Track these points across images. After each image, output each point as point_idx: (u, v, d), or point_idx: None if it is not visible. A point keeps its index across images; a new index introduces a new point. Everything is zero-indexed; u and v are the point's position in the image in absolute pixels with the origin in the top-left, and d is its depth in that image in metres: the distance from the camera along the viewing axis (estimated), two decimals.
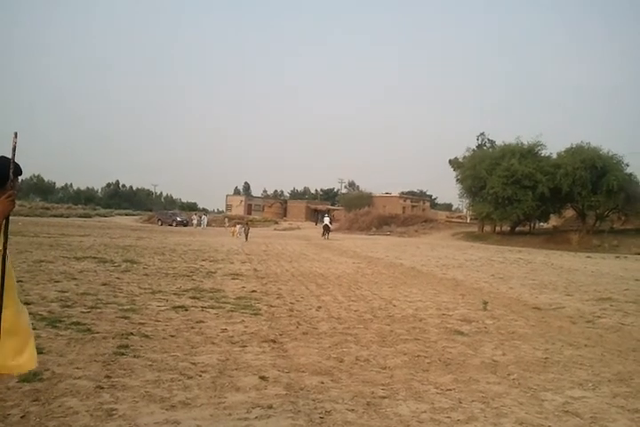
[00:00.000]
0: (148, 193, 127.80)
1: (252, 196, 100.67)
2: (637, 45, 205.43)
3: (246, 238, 32.68)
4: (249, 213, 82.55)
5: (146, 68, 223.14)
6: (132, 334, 6.60)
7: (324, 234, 43.50)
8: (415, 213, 75.50)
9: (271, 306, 9.34)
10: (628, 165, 45.16)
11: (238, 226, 36.00)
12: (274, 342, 6.69)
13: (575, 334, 8.19)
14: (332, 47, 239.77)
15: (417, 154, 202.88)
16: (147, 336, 6.53)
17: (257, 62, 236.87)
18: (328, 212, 66.14)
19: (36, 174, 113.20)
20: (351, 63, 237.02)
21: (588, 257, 30.98)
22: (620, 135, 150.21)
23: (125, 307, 8.38)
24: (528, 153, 47.05)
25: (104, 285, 10.66)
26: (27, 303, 7.85)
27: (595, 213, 47.14)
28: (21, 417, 3.86)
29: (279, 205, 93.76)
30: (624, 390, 5.32)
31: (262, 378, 5.10)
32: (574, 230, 46.08)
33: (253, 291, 11.07)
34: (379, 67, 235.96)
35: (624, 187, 42.54)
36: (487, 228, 55.33)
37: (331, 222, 48.46)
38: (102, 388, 4.57)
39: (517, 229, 52.83)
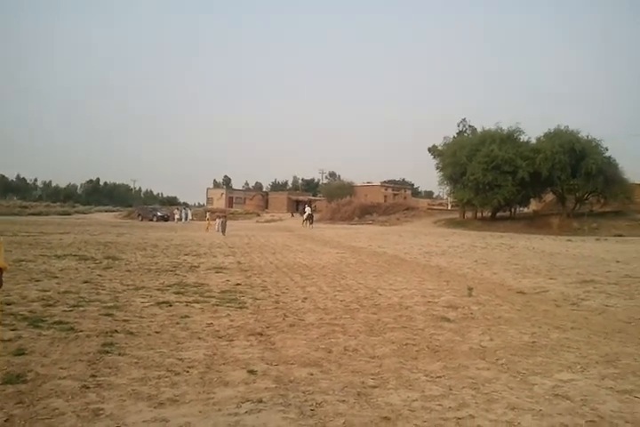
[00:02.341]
0: (128, 188, 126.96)
1: (232, 188, 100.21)
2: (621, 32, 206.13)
3: (223, 233, 31.60)
4: (230, 206, 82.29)
5: (126, 65, 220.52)
6: (116, 331, 6.51)
7: (308, 223, 44.76)
8: (397, 201, 75.49)
9: (256, 299, 9.28)
10: (607, 149, 45.57)
11: (218, 220, 35.08)
12: (261, 334, 6.64)
13: (560, 317, 8.23)
14: (316, 41, 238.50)
15: (397, 142, 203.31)
16: (131, 333, 6.45)
17: (237, 57, 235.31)
18: (309, 203, 66.15)
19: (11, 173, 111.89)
20: (332, 55, 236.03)
21: (569, 240, 31.25)
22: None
23: (109, 304, 8.27)
24: (507, 139, 47.16)
25: (86, 282, 10.52)
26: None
27: (574, 197, 47.50)
28: (5, 420, 3.78)
29: (260, 198, 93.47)
30: (612, 371, 5.35)
31: (251, 372, 5.06)
32: (554, 214, 46.39)
33: (238, 284, 11.00)
34: (360, 58, 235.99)
35: (603, 170, 42.86)
36: (468, 214, 55.53)
37: (312, 211, 49.36)
38: (88, 387, 4.50)
39: (498, 214, 53.09)
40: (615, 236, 36.35)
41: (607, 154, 45.39)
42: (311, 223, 45.74)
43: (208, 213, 46.18)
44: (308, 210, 47.79)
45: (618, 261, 17.36)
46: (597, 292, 10.82)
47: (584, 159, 42.97)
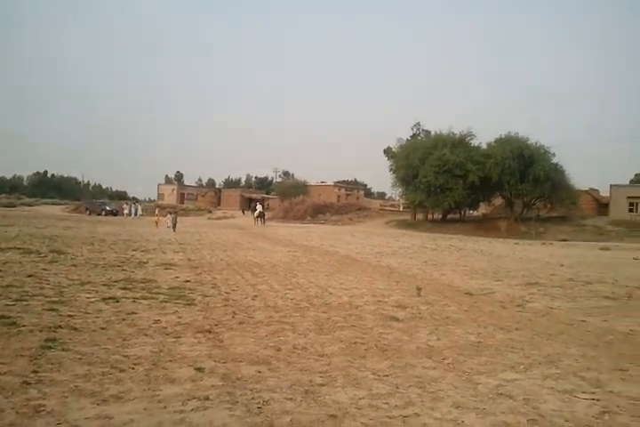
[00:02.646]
0: (76, 182, 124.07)
1: (184, 185, 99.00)
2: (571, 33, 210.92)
3: (174, 229, 31.22)
4: (182, 202, 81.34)
5: (76, 56, 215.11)
6: (60, 326, 6.36)
7: (259, 221, 44.69)
8: (350, 201, 76.05)
9: (206, 296, 9.19)
10: (554, 155, 46.92)
11: (169, 215, 34.49)
12: (209, 332, 6.58)
13: (506, 318, 8.40)
14: (277, 39, 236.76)
15: (352, 143, 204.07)
16: (76, 329, 6.31)
17: (183, 51, 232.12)
18: (262, 201, 65.87)
19: None
20: (290, 52, 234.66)
21: (516, 244, 31.93)
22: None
23: (53, 299, 8.07)
24: (459, 143, 48.11)
25: (30, 276, 10.24)
26: None
27: (522, 202, 48.75)
28: None
29: (213, 194, 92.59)
30: (554, 371, 5.49)
31: (198, 369, 5.00)
32: (503, 218, 47.44)
33: (187, 281, 10.87)
34: (317, 57, 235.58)
35: (550, 176, 44.17)
36: (419, 216, 56.24)
37: (265, 209, 49.48)
38: (29, 383, 4.38)
39: (449, 216, 54.01)
40: (560, 240, 37.39)
41: (555, 160, 46.82)
42: (263, 221, 45.65)
43: (157, 209, 45.51)
44: (259, 208, 47.67)
45: (562, 265, 17.83)
46: (542, 294, 11.09)
47: (532, 165, 44.20)
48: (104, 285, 9.84)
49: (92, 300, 8.26)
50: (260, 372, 5.04)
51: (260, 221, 45.40)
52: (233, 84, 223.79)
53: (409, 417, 4.10)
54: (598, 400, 4.64)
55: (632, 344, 6.90)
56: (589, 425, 4.07)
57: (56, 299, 8.09)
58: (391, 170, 54.08)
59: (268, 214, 52.84)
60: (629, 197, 52.03)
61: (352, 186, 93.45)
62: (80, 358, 5.13)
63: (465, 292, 11.05)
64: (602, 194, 58.84)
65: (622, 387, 5.04)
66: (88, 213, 59.38)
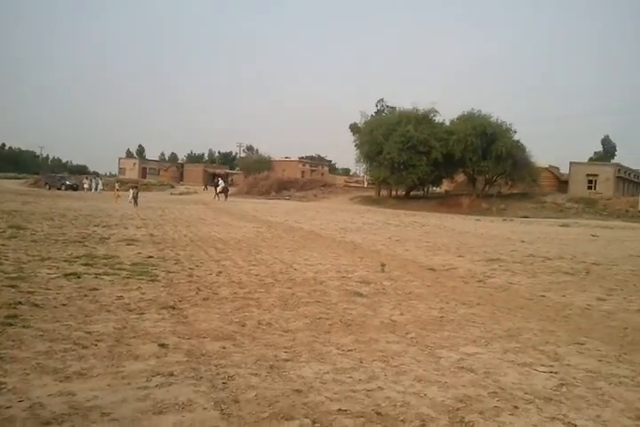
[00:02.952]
0: (34, 155, 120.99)
1: (146, 159, 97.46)
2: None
3: (135, 204, 30.80)
4: (144, 177, 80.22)
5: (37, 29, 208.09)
6: (20, 303, 6.25)
7: (219, 197, 44.48)
8: (314, 177, 76.00)
9: (169, 272, 9.12)
10: (515, 132, 47.53)
11: (131, 190, 33.97)
12: (173, 308, 6.54)
13: (468, 293, 8.54)
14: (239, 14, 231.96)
15: (317, 118, 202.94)
16: (37, 305, 6.21)
17: (149, 23, 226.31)
18: (225, 176, 65.39)
19: None
20: (259, 27, 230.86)
21: (478, 220, 32.42)
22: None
23: (12, 275, 7.91)
24: (423, 119, 48.28)
25: None
26: None
27: (484, 178, 49.38)
28: None
29: (175, 169, 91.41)
30: (514, 345, 5.62)
31: (162, 345, 4.98)
32: (465, 195, 48.10)
33: (150, 257, 10.76)
34: (284, 32, 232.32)
35: (512, 153, 44.75)
36: (384, 192, 56.54)
37: (228, 185, 49.19)
38: None
39: (412, 193, 54.41)
40: (521, 217, 38.13)
41: (516, 137, 47.39)
42: (226, 197, 45.36)
43: (117, 184, 44.77)
44: (221, 183, 47.30)
45: (523, 241, 18.16)
46: (503, 270, 11.29)
47: (494, 142, 44.69)
48: (65, 261, 9.68)
49: (53, 276, 8.12)
50: (224, 348, 5.04)
51: (222, 197, 45.11)
52: (194, 58, 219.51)
53: (373, 391, 4.15)
54: (556, 373, 4.77)
55: (589, 319, 7.10)
56: (548, 397, 4.18)
57: (15, 275, 7.94)
58: (356, 146, 54.15)
59: (232, 190, 52.59)
60: (588, 175, 53.38)
61: (317, 162, 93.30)
62: (41, 335, 5.06)
63: (428, 267, 11.19)
64: (562, 171, 60.05)
65: (579, 360, 5.20)
66: (47, 187, 58.14)
